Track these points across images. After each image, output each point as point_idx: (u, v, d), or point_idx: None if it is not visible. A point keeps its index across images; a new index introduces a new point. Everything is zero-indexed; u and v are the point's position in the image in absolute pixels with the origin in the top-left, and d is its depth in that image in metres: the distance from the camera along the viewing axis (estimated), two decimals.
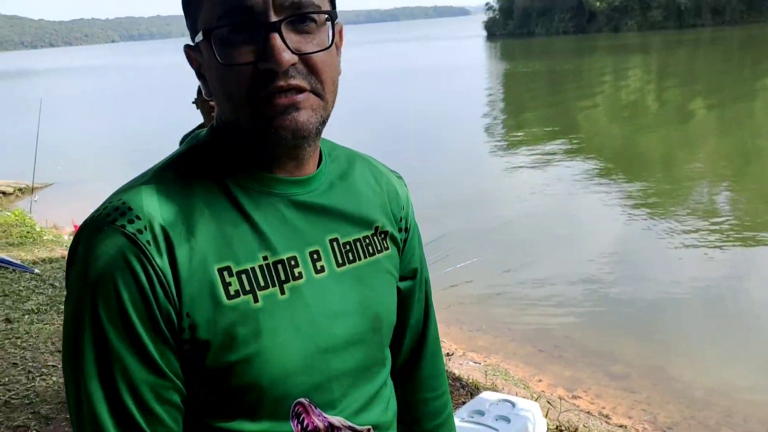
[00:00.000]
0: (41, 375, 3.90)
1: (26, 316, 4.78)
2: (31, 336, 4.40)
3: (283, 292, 0.85)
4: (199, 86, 4.11)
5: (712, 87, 22.58)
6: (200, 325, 0.79)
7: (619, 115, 19.19)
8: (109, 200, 0.82)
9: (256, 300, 0.82)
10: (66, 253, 6.76)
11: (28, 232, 7.78)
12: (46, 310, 4.93)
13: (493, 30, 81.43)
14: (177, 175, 0.85)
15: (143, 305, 0.77)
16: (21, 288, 5.37)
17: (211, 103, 4.07)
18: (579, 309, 6.24)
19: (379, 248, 0.98)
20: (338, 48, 0.89)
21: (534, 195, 10.29)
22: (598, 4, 64.72)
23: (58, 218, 9.93)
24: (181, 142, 4.23)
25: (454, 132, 17.08)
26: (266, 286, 0.84)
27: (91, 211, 0.83)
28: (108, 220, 0.79)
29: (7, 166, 14.32)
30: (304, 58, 0.81)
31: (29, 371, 3.94)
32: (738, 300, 6.40)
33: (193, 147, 0.90)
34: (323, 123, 0.86)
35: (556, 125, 17.42)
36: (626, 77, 28.60)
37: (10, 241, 7.33)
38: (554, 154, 13.39)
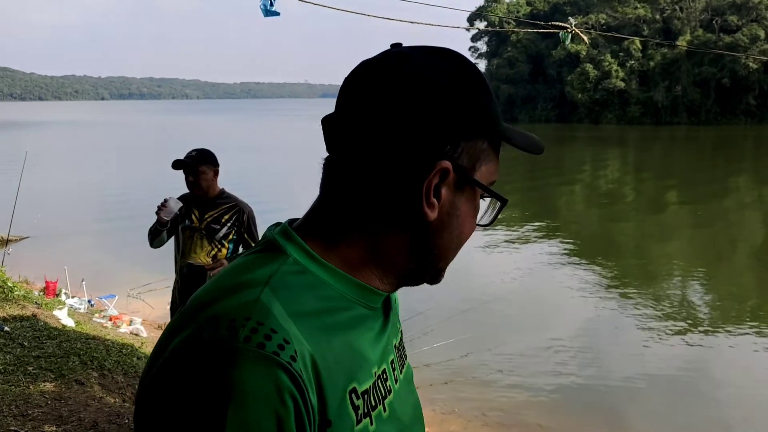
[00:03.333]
0: None
1: None
2: None
3: (384, 410, 0.77)
4: (191, 153, 3.98)
5: (686, 183, 23.26)
6: None
7: (596, 202, 19.64)
8: (228, 317, 0.64)
9: (371, 423, 0.74)
10: (38, 311, 6.64)
11: None
12: (12, 370, 4.80)
13: None
14: (291, 288, 0.71)
15: None
16: None
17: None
18: (552, 395, 6.23)
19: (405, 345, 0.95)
20: None
21: (510, 275, 10.39)
22: (579, 96, 67.00)
23: (31, 273, 9.77)
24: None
25: None
26: (376, 405, 0.75)
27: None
28: (249, 346, 0.62)
29: None
30: None
31: None
32: (702, 391, 6.49)
33: (291, 263, 0.73)
34: None
35: (535, 208, 17.75)
36: (604, 167, 29.39)
37: None
38: (531, 236, 13.60)
